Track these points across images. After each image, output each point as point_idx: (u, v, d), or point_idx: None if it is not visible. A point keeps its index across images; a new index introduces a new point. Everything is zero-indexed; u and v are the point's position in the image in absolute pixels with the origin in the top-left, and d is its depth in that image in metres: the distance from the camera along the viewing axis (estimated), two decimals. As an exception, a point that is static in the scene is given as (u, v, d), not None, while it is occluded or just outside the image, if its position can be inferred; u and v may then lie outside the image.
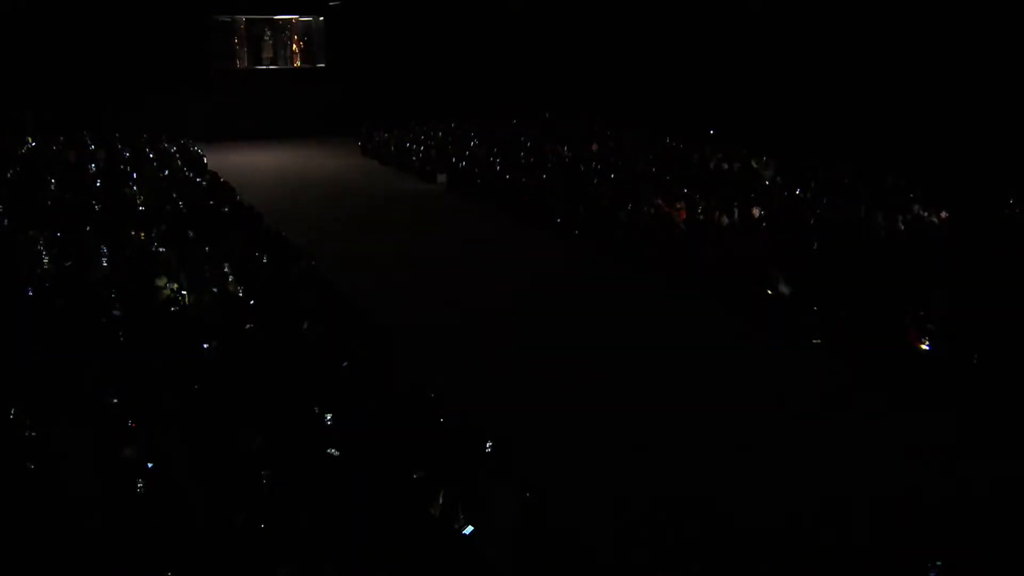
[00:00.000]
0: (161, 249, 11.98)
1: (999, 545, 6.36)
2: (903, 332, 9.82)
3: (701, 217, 15.00)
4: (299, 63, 32.35)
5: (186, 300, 10.13)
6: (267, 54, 31.99)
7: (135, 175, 18.46)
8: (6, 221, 13.68)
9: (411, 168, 24.34)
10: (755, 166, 19.35)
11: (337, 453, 6.51)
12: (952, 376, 9.12)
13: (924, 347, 9.49)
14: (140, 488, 6.04)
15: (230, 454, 6.51)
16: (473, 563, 5.63)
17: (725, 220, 14.40)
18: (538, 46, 30.78)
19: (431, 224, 18.26)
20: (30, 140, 22.42)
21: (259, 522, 5.70)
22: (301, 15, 31.91)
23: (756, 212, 14.70)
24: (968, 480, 7.48)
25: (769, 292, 11.65)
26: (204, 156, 23.25)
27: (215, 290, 10.34)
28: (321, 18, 31.86)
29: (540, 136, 25.54)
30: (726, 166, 19.68)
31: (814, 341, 10.68)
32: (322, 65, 32.08)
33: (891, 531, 6.75)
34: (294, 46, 32.32)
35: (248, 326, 9.29)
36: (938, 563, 5.80)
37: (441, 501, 6.00)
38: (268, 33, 31.89)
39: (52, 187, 16.91)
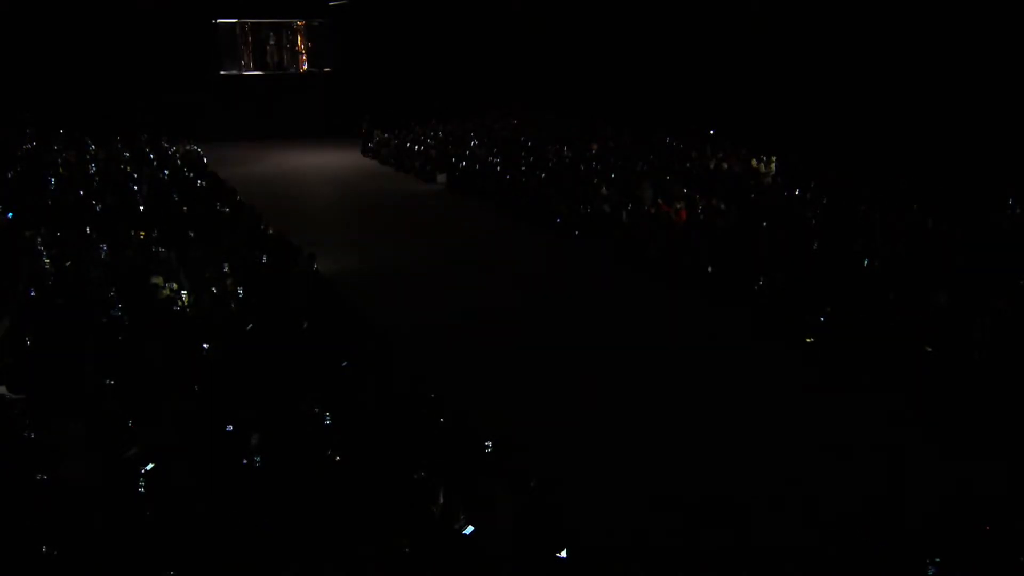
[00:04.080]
0: (161, 249, 11.99)
1: (990, 545, 6.36)
2: (900, 331, 9.84)
3: (701, 217, 15.02)
4: (304, 67, 32.36)
5: (186, 300, 10.13)
6: (272, 58, 32.01)
7: (135, 175, 18.46)
8: (7, 218, 13.68)
9: (411, 168, 24.35)
10: (755, 165, 19.35)
11: (338, 457, 6.51)
12: (950, 374, 9.14)
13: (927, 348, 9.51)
14: (141, 488, 6.04)
15: (230, 454, 6.51)
16: (473, 563, 5.63)
17: (722, 220, 14.42)
18: (538, 46, 30.77)
19: (431, 224, 18.25)
20: (31, 140, 22.41)
21: (259, 522, 5.71)
22: (305, 18, 31.90)
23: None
24: (968, 481, 7.50)
25: (768, 291, 11.68)
26: (204, 157, 23.26)
27: (215, 290, 10.34)
28: (323, 22, 31.83)
29: (541, 136, 25.53)
30: (726, 166, 19.69)
31: (808, 340, 10.71)
32: (328, 70, 32.10)
33: (889, 531, 6.77)
34: (300, 50, 32.32)
35: (248, 326, 9.29)
36: (937, 560, 5.81)
37: (441, 501, 6.00)
38: (273, 37, 31.92)
39: (52, 187, 16.92)
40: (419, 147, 25.44)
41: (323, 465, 6.49)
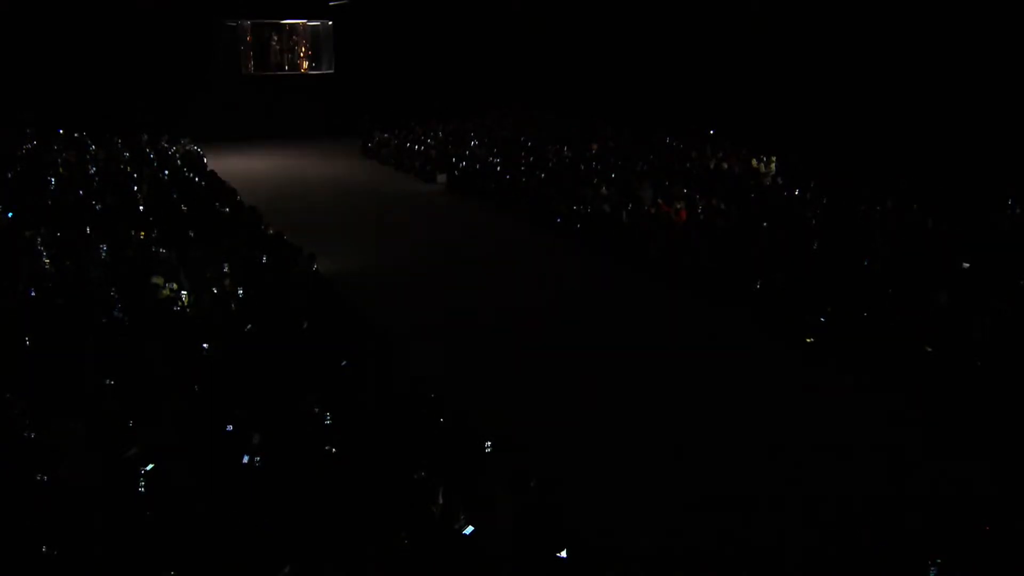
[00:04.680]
0: (161, 249, 11.98)
1: (990, 546, 6.36)
2: (900, 331, 9.84)
3: (701, 217, 15.02)
4: (304, 68, 32.33)
5: (186, 300, 10.13)
6: (274, 59, 32.01)
7: (135, 175, 18.46)
8: (7, 218, 13.68)
9: (411, 168, 24.35)
10: (755, 165, 19.35)
11: (338, 457, 6.51)
12: (951, 374, 9.14)
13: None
14: (141, 488, 6.04)
15: (230, 454, 6.51)
16: (473, 563, 5.63)
17: (722, 221, 14.43)
18: (538, 46, 30.77)
19: (431, 224, 18.25)
20: (31, 140, 22.40)
21: (259, 522, 5.71)
22: (306, 19, 31.89)
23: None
24: (968, 481, 7.51)
25: (768, 291, 11.68)
26: (204, 157, 23.26)
27: (215, 290, 10.34)
28: (329, 23, 31.81)
29: (541, 136, 25.54)
30: (726, 166, 19.70)
31: (808, 340, 10.72)
32: (330, 71, 32.11)
33: (889, 530, 6.76)
34: (301, 51, 32.30)
35: (248, 326, 9.29)
36: (938, 560, 5.81)
37: (441, 501, 6.00)
38: (274, 38, 31.91)
39: (52, 187, 16.91)
40: (419, 147, 25.44)
41: (323, 465, 6.49)
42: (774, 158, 19.55)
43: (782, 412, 8.95)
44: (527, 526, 5.93)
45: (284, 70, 32.15)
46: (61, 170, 18.91)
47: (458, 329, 11.48)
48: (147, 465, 6.21)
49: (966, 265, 11.47)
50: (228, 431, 6.77)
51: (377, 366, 8.56)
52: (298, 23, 32.06)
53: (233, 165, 24.28)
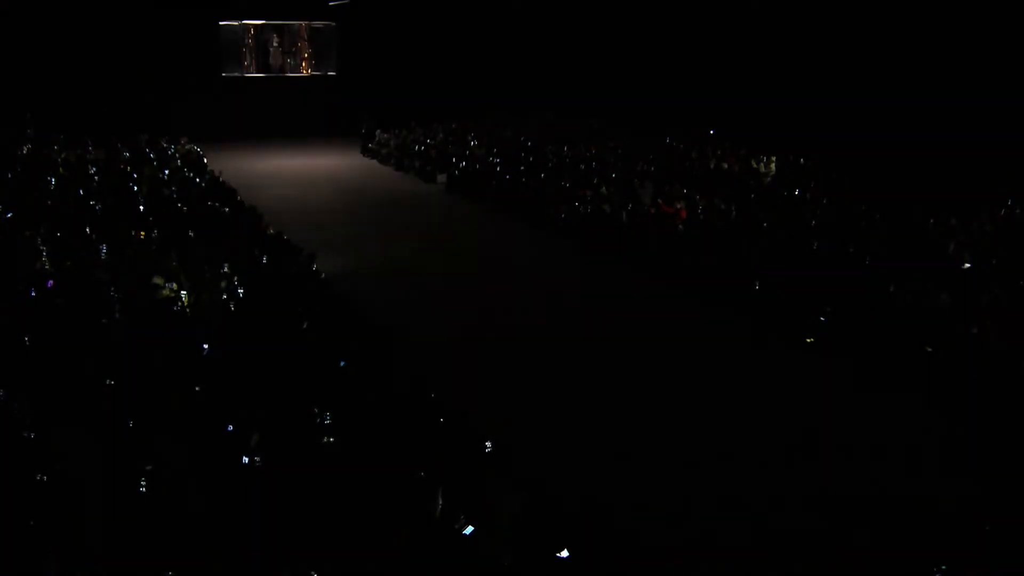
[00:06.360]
0: (161, 249, 11.97)
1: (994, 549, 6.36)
2: (900, 331, 9.85)
3: (701, 217, 15.02)
4: (306, 69, 32.29)
5: (186, 300, 10.12)
6: (275, 61, 31.98)
7: (135, 175, 18.45)
8: (7, 218, 13.68)
9: (411, 168, 24.35)
10: (755, 165, 19.36)
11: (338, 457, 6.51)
12: (951, 374, 9.14)
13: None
14: (141, 488, 6.04)
15: (230, 454, 6.51)
16: (473, 563, 5.63)
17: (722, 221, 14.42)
18: (539, 46, 30.78)
19: (431, 224, 18.25)
20: (31, 141, 22.39)
21: (259, 522, 5.71)
22: (307, 20, 31.85)
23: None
24: (970, 483, 7.51)
25: (768, 291, 11.68)
26: (205, 157, 23.25)
27: (215, 290, 10.33)
28: (327, 24, 31.80)
29: (541, 136, 25.55)
30: (726, 166, 19.71)
31: (808, 340, 10.73)
32: (332, 73, 32.11)
33: (893, 533, 6.76)
34: (301, 51, 32.24)
35: (248, 326, 9.28)
36: (943, 567, 5.80)
37: (441, 501, 6.00)
38: (276, 39, 31.88)
39: (52, 187, 16.91)
40: (419, 147, 25.43)
41: (322, 465, 6.49)
42: (774, 158, 19.56)
43: (783, 412, 8.95)
44: (527, 526, 5.93)
45: (285, 71, 32.11)
46: (61, 170, 18.91)
47: (458, 328, 11.47)
48: (147, 465, 6.21)
49: (967, 265, 11.48)
50: (228, 431, 6.76)
51: (377, 366, 8.56)
52: (299, 24, 32.03)
53: (233, 166, 24.27)
